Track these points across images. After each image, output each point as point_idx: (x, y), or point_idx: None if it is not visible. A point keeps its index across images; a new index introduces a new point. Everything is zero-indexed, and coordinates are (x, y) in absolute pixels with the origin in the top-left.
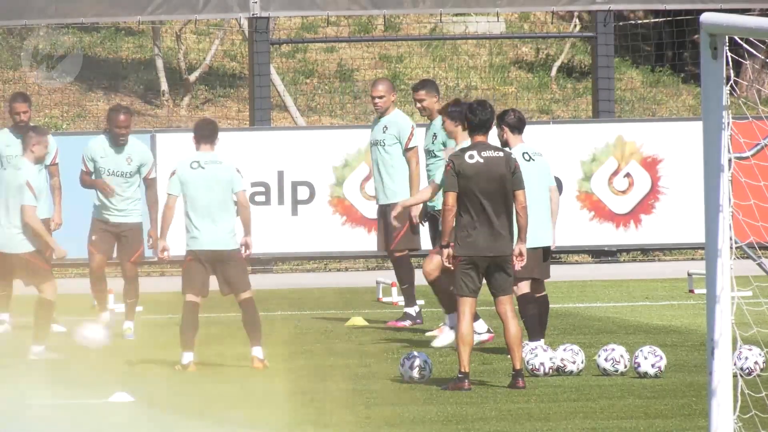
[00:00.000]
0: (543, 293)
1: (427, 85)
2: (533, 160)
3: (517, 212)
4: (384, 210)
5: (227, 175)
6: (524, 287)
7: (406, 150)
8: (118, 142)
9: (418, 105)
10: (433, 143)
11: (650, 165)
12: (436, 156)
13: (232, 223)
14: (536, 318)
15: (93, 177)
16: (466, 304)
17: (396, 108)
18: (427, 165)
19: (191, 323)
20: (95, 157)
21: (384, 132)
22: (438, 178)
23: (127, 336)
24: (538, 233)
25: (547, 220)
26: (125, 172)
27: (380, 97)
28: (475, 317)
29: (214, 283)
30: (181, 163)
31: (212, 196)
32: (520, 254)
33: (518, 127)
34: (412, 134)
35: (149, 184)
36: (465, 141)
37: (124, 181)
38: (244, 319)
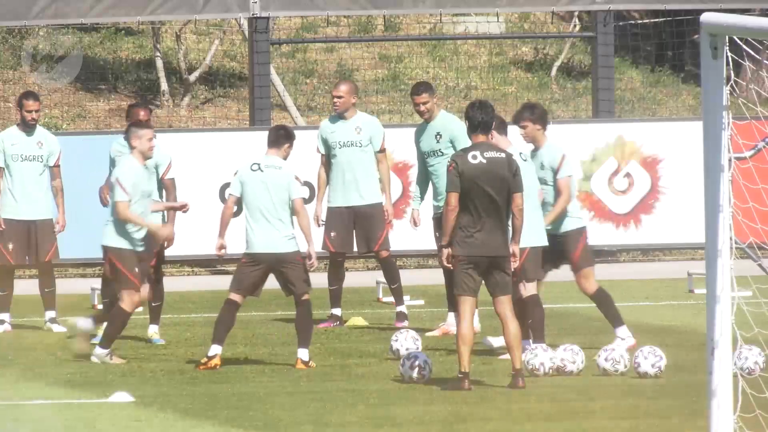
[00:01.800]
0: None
1: (429, 87)
2: (527, 160)
3: (513, 214)
4: (358, 211)
5: (284, 180)
6: (531, 288)
7: (381, 151)
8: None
9: (422, 107)
10: (437, 142)
11: (650, 165)
12: (442, 154)
13: (289, 227)
14: (543, 320)
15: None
16: (466, 304)
17: (357, 110)
18: (431, 164)
19: (225, 320)
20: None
21: (358, 133)
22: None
23: (155, 341)
24: (541, 233)
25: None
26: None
27: (339, 98)
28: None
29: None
30: (244, 164)
31: (267, 198)
32: (513, 254)
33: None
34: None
35: (167, 185)
36: (549, 146)
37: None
38: (296, 319)
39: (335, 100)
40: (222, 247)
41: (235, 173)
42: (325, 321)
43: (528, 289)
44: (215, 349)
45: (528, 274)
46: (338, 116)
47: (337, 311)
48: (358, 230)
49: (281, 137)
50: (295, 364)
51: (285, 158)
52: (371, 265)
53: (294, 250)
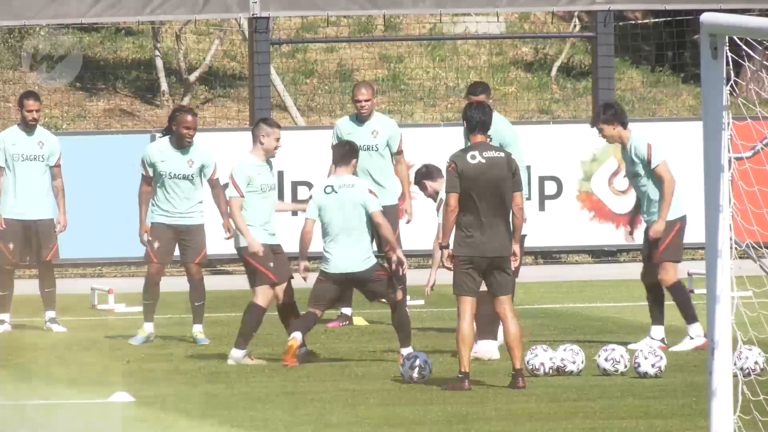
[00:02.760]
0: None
1: (488, 88)
2: None
3: (513, 213)
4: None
5: (359, 197)
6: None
7: (399, 153)
8: (183, 144)
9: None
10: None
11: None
12: None
13: (368, 245)
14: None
15: (153, 181)
16: (466, 304)
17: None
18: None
19: (310, 319)
20: (155, 161)
21: (375, 137)
22: None
23: (200, 341)
24: None
25: None
26: (187, 174)
27: (366, 101)
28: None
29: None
30: (317, 187)
31: (344, 218)
32: (514, 254)
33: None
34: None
35: (213, 184)
36: (634, 139)
37: (188, 184)
38: (392, 319)
39: (361, 104)
40: (306, 269)
41: (309, 197)
42: (333, 321)
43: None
44: (295, 335)
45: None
46: (357, 118)
47: (347, 310)
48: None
49: (348, 154)
50: (397, 360)
51: (353, 172)
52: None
53: (370, 266)
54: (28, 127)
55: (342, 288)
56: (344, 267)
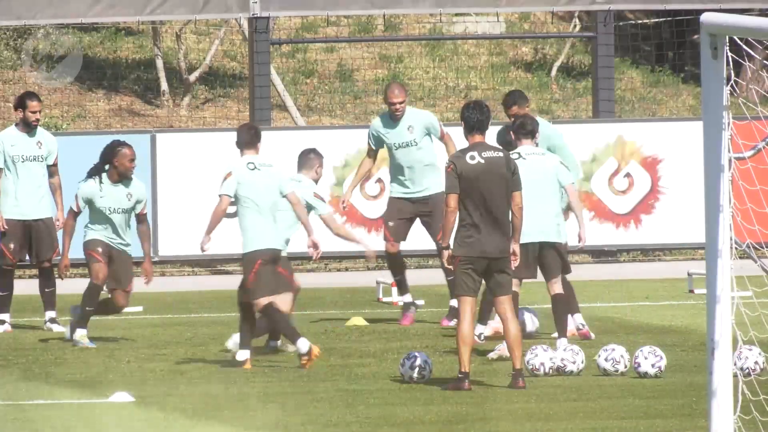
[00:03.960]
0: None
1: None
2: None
3: (512, 212)
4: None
5: (276, 179)
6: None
7: (442, 137)
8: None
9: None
10: None
11: (650, 165)
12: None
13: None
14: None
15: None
16: (467, 304)
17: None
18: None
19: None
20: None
21: (411, 132)
22: None
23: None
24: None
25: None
26: (126, 208)
27: (400, 103)
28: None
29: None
30: (237, 164)
31: (269, 197)
32: (514, 253)
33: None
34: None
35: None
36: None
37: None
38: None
39: (395, 107)
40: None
41: (228, 174)
42: (405, 315)
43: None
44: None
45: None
46: (390, 117)
47: (407, 297)
48: (422, 221)
49: (254, 137)
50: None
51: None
52: (371, 265)
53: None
54: (29, 127)
55: (272, 266)
56: (270, 243)
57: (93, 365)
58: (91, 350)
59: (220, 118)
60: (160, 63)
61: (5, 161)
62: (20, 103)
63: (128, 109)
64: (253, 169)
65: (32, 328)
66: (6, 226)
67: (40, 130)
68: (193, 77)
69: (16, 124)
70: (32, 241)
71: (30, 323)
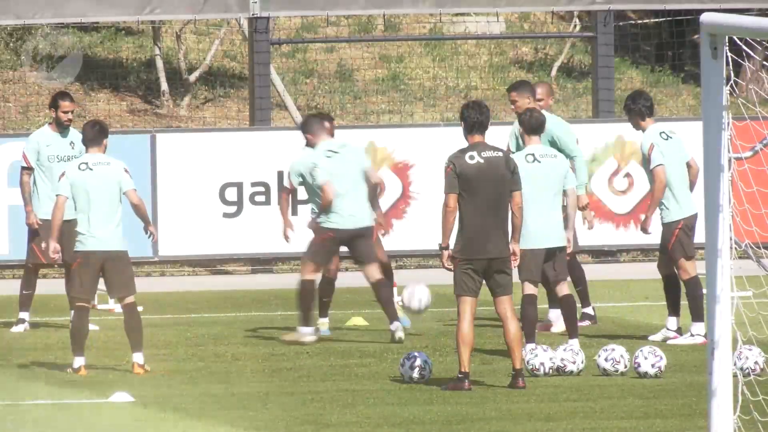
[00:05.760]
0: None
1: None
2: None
3: (512, 212)
4: None
5: (115, 176)
6: (528, 288)
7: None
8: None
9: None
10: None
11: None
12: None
13: (121, 227)
14: (536, 320)
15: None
16: (466, 304)
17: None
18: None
19: (81, 328)
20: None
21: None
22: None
23: (322, 332)
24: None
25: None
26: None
27: (540, 100)
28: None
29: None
30: (70, 165)
31: (104, 196)
32: (513, 254)
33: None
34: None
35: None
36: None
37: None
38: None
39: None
40: (56, 251)
41: (62, 174)
42: (582, 322)
43: (526, 288)
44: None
45: (524, 275)
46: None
47: (588, 310)
48: None
49: (99, 134)
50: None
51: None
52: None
53: (124, 248)
54: (62, 127)
55: (99, 269)
56: (100, 245)
57: (93, 365)
58: (92, 350)
59: (220, 118)
60: (160, 63)
61: (38, 161)
62: (53, 103)
63: (128, 108)
64: (84, 170)
65: (46, 327)
66: (40, 223)
67: (73, 131)
68: (193, 77)
69: (50, 124)
70: (62, 241)
71: (47, 323)
